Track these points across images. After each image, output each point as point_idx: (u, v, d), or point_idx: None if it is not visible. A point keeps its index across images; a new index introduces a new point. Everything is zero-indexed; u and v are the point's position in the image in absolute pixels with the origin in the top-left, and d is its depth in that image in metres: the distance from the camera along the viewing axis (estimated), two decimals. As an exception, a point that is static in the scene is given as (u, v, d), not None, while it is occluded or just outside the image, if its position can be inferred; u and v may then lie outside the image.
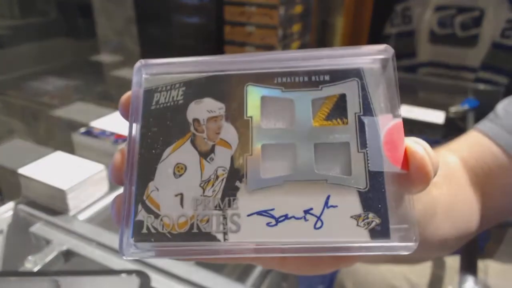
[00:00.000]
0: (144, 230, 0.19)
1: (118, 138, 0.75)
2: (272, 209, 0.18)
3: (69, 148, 0.77)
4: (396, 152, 0.18)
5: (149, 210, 0.19)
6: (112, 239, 0.59)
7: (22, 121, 1.23)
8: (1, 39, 1.25)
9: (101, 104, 1.12)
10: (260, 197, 0.18)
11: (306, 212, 0.18)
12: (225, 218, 0.18)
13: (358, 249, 0.18)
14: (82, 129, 0.79)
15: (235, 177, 0.19)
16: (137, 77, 0.21)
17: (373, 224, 0.18)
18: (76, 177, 0.65)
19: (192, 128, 0.20)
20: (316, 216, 0.18)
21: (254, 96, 0.20)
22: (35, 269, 0.54)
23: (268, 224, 0.18)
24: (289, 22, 1.38)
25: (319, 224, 0.18)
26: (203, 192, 0.19)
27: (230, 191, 0.19)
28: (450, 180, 0.37)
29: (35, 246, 0.62)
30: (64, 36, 1.44)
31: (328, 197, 0.18)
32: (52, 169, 0.67)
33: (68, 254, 0.58)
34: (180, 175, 0.19)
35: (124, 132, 0.77)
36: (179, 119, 0.20)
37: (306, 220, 0.18)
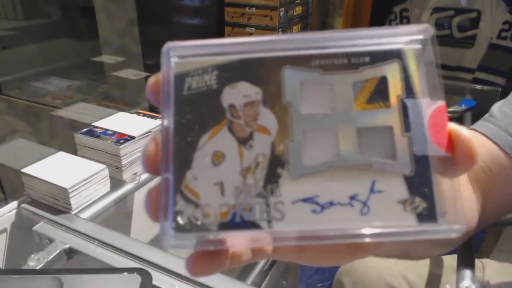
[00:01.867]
0: (185, 221, 0.18)
1: (120, 138, 0.76)
2: (317, 196, 0.18)
3: (72, 148, 0.78)
4: (440, 135, 0.18)
5: (188, 200, 0.18)
6: (114, 237, 0.60)
7: (25, 121, 1.24)
8: (5, 41, 1.26)
9: (103, 104, 1.13)
10: (303, 184, 0.18)
11: (352, 198, 0.18)
12: (268, 206, 0.18)
13: (405, 234, 0.17)
14: (85, 129, 0.80)
15: (276, 164, 0.18)
16: (165, 60, 0.20)
17: (420, 208, 0.17)
18: (79, 176, 0.66)
19: (228, 114, 0.19)
20: (362, 202, 0.18)
21: (291, 79, 0.19)
22: (38, 267, 0.55)
23: (313, 211, 0.18)
24: (289, 23, 1.38)
25: (365, 210, 0.18)
26: (244, 180, 0.18)
27: (272, 179, 0.18)
28: None
29: (38, 244, 0.63)
30: (67, 37, 1.45)
31: (373, 182, 0.18)
32: (54, 168, 0.68)
33: (70, 252, 0.59)
34: (219, 163, 0.18)
35: (125, 132, 0.78)
36: (213, 105, 0.19)
37: (352, 206, 0.18)
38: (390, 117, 0.18)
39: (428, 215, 0.17)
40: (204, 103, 0.19)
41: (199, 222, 0.18)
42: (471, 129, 0.44)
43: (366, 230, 0.17)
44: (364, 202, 0.18)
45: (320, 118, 0.19)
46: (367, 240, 0.18)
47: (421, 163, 0.18)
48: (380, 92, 0.19)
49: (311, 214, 0.18)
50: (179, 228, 0.18)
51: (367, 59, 0.19)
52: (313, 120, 0.19)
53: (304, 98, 0.19)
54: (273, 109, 0.19)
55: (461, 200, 0.18)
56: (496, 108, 0.44)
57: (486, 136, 0.42)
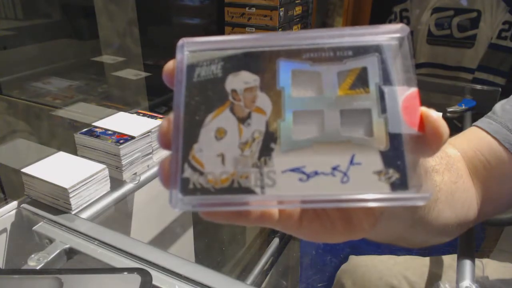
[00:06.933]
0: (191, 186, 0.21)
1: (120, 138, 0.76)
2: (304, 167, 0.20)
3: (72, 148, 0.78)
4: (413, 116, 0.20)
5: (194, 168, 0.21)
6: (114, 237, 0.60)
7: (25, 121, 1.24)
8: (5, 41, 1.26)
9: (103, 104, 1.13)
10: (292, 156, 0.21)
11: (334, 169, 0.20)
12: (261, 174, 0.21)
13: (380, 200, 0.20)
14: (85, 129, 0.80)
15: (269, 139, 0.21)
16: (180, 53, 0.23)
17: (393, 178, 0.20)
18: (79, 176, 0.66)
19: (230, 98, 0.22)
20: (342, 172, 0.20)
21: (285, 69, 0.22)
22: (38, 267, 0.54)
23: (300, 179, 0.20)
24: (289, 23, 1.39)
25: (345, 179, 0.20)
26: (242, 152, 0.21)
27: (265, 151, 0.21)
28: (450, 168, 0.38)
29: (38, 244, 0.62)
30: (67, 37, 1.45)
31: (353, 156, 0.20)
32: (54, 168, 0.68)
33: (70, 252, 0.59)
34: (221, 138, 0.21)
35: (125, 132, 0.78)
36: (218, 89, 0.22)
37: (333, 175, 0.20)
38: (369, 101, 0.21)
39: (400, 184, 0.20)
40: (210, 88, 0.22)
41: (202, 187, 0.21)
42: (474, 125, 0.45)
43: (345, 196, 0.20)
44: (345, 172, 0.20)
45: (308, 101, 0.21)
46: (346, 205, 0.20)
47: (395, 140, 0.20)
48: (361, 80, 0.21)
49: (298, 181, 0.20)
50: (186, 192, 0.21)
51: (350, 52, 0.22)
52: (302, 103, 0.21)
53: (295, 84, 0.22)
54: (268, 94, 0.22)
55: (429, 173, 0.21)
56: (498, 106, 0.45)
57: (487, 132, 0.43)
